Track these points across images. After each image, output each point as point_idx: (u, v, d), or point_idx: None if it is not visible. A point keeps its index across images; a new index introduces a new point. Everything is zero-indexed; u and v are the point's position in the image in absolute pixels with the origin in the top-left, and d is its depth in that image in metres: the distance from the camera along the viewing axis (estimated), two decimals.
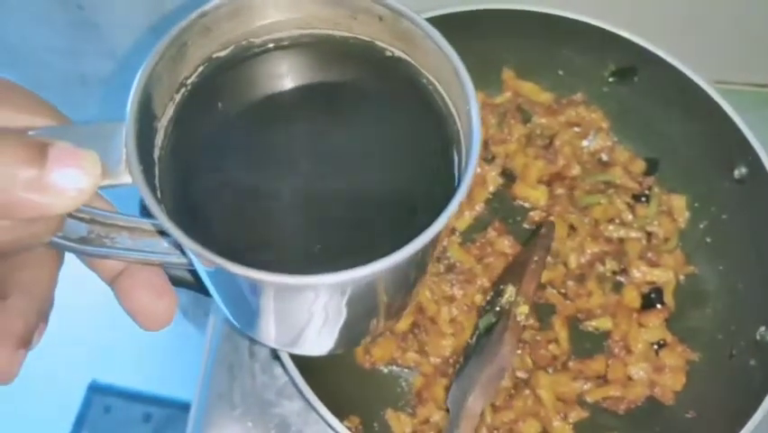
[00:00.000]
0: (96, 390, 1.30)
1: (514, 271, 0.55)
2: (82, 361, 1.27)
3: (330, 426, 0.44)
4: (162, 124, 0.27)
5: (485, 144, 0.61)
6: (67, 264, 0.30)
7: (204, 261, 0.23)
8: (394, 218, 0.25)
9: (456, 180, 0.26)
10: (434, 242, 0.25)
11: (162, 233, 0.27)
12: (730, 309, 0.54)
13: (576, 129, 0.61)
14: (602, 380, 0.54)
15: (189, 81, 0.27)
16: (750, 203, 0.54)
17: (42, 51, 0.71)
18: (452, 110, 0.27)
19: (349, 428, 0.45)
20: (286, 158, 0.27)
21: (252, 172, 0.27)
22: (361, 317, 0.29)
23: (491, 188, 0.60)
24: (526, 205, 0.60)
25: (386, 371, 0.55)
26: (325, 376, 0.50)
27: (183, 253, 0.27)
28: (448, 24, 0.57)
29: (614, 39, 0.57)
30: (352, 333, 0.31)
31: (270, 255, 0.25)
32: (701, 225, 0.58)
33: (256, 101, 0.28)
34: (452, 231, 0.59)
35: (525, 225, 0.59)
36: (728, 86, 0.69)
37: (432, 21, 0.63)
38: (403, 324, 0.55)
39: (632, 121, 0.61)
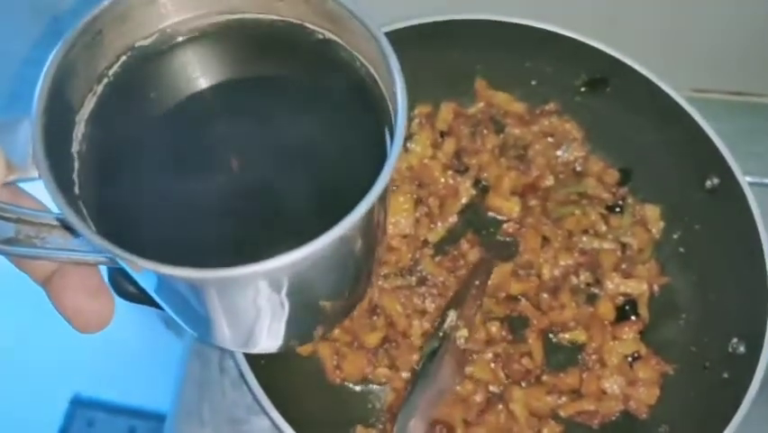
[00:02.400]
0: (78, 403, 1.28)
1: (458, 297, 0.54)
2: (64, 374, 1.26)
3: None
4: (82, 116, 0.25)
5: (458, 155, 0.60)
6: None
7: (118, 257, 0.22)
8: (327, 204, 0.24)
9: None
10: (369, 226, 0.24)
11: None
12: (703, 321, 0.54)
13: (549, 139, 0.61)
14: (576, 394, 0.54)
15: (111, 72, 0.26)
16: (722, 213, 0.53)
17: (19, 64, 0.70)
18: (383, 90, 0.26)
19: None
20: (219, 150, 0.26)
21: (181, 166, 0.26)
22: (309, 308, 0.28)
23: (464, 200, 0.59)
24: (500, 216, 0.59)
25: (357, 389, 0.54)
26: (294, 393, 0.50)
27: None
28: (421, 35, 0.57)
29: (586, 49, 0.57)
30: (302, 325, 0.30)
31: (202, 252, 0.24)
32: (675, 236, 0.58)
33: (183, 92, 0.27)
34: (425, 243, 0.58)
35: (499, 237, 0.59)
36: (704, 94, 0.69)
37: (405, 31, 0.62)
38: (374, 339, 0.54)
39: (605, 131, 0.60)
